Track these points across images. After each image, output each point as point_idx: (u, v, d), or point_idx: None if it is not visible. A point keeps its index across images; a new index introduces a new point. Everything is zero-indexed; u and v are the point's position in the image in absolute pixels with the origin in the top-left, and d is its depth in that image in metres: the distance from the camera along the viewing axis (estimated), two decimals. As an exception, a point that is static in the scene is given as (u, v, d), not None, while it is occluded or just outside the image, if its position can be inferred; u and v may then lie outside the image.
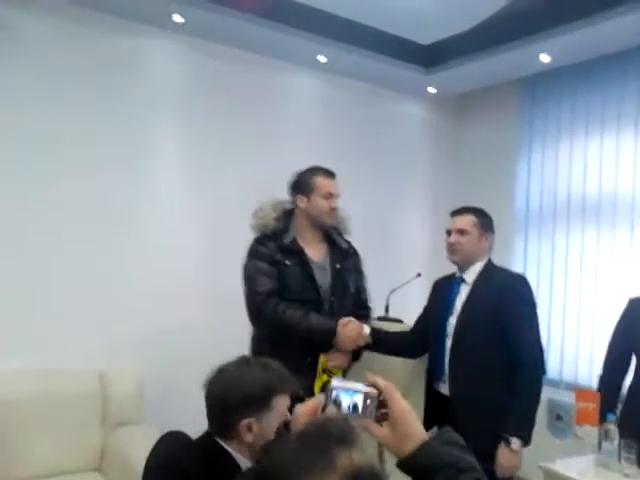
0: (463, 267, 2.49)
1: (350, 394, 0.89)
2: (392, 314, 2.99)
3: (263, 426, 1.46)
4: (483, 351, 2.33)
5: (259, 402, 1.48)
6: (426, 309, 2.69)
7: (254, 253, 2.50)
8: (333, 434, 0.79)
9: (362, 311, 2.62)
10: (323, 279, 2.50)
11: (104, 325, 3.10)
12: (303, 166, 3.75)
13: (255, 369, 1.54)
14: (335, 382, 0.91)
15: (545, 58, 3.63)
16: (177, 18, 3.19)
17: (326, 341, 2.38)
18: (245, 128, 3.63)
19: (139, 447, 1.65)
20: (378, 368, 2.66)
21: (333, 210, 2.52)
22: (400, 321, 2.85)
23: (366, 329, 2.46)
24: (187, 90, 3.45)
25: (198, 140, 3.47)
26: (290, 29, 3.35)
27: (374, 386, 0.90)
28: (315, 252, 2.52)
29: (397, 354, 2.68)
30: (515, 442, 2.19)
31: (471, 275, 2.47)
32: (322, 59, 3.71)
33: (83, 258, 3.08)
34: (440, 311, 2.50)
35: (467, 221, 2.47)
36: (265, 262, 2.45)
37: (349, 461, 0.76)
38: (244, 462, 1.43)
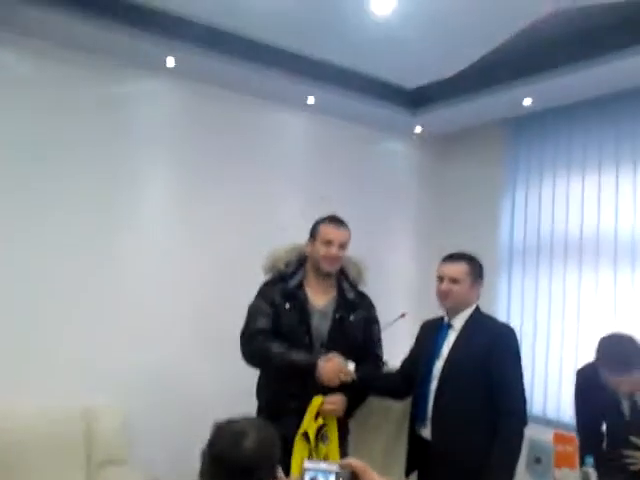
0: (452, 313, 2.51)
1: (324, 475, 0.91)
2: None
3: None
4: (467, 398, 2.34)
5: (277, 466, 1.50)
6: (412, 351, 2.72)
7: (259, 293, 2.60)
8: None
9: (371, 361, 2.63)
10: (322, 326, 2.52)
11: (89, 362, 3.10)
12: (292, 204, 3.85)
13: (274, 434, 1.54)
14: (308, 464, 0.94)
15: (527, 101, 3.75)
16: (170, 62, 3.29)
17: (307, 375, 2.38)
18: (235, 167, 3.71)
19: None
20: (368, 414, 2.70)
21: (332, 258, 2.53)
22: (384, 363, 2.86)
23: (351, 365, 2.46)
24: (179, 131, 3.53)
25: (189, 180, 3.55)
26: (280, 73, 3.45)
27: (349, 467, 0.93)
28: (320, 299, 2.56)
29: (383, 395, 2.70)
30: None
31: (459, 321, 2.48)
32: (311, 100, 3.81)
33: (68, 294, 3.11)
34: (427, 355, 2.52)
35: (460, 270, 2.48)
36: (267, 303, 2.53)
37: None
38: None
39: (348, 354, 2.48)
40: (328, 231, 2.54)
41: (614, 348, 2.36)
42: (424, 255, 4.42)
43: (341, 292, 2.60)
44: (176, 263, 3.46)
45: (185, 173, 3.53)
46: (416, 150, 4.61)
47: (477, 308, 2.53)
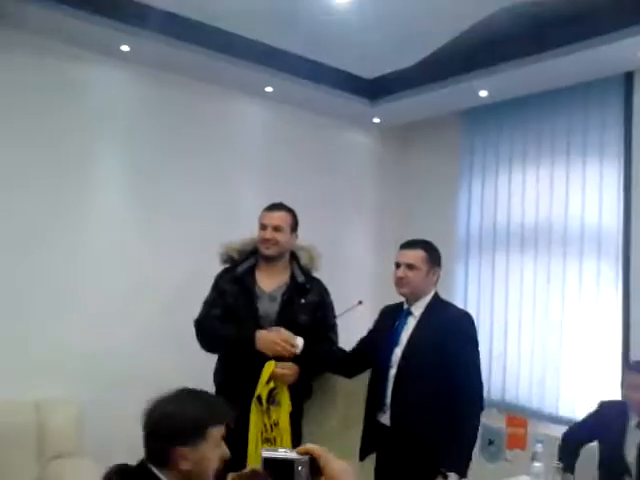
0: (411, 300, 2.53)
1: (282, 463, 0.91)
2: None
3: (199, 455, 1.53)
4: (426, 385, 2.37)
5: (193, 432, 1.54)
6: (370, 332, 2.74)
7: (213, 284, 2.71)
8: None
9: (322, 344, 2.68)
10: (271, 309, 2.59)
11: (43, 354, 3.04)
12: (249, 193, 3.83)
13: (191, 401, 1.61)
14: (266, 452, 0.93)
15: (483, 93, 3.82)
16: (124, 47, 3.23)
17: (248, 347, 2.47)
18: (192, 155, 3.66)
19: (74, 480, 1.63)
20: (325, 399, 2.73)
21: (266, 240, 2.63)
22: (342, 350, 2.88)
23: (299, 340, 2.53)
24: (134, 117, 3.46)
25: (144, 167, 3.48)
26: (238, 61, 3.42)
27: (306, 453, 0.93)
28: (270, 283, 2.64)
29: (332, 370, 2.74)
30: (452, 477, 2.22)
31: (419, 308, 2.51)
32: (269, 89, 3.80)
33: (19, 284, 3.03)
34: (386, 341, 2.53)
35: (416, 256, 2.49)
36: (216, 293, 2.67)
37: None
38: None
39: (300, 335, 2.56)
40: (262, 215, 2.68)
41: None
42: (382, 243, 4.46)
43: (292, 277, 2.67)
44: (132, 253, 3.40)
45: (140, 160, 3.47)
46: (375, 140, 4.64)
47: (436, 295, 2.55)
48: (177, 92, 3.61)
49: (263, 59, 3.50)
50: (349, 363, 2.68)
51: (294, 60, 3.63)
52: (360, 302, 3.08)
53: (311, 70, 3.71)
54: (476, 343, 2.46)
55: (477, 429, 2.36)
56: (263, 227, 2.64)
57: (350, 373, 2.70)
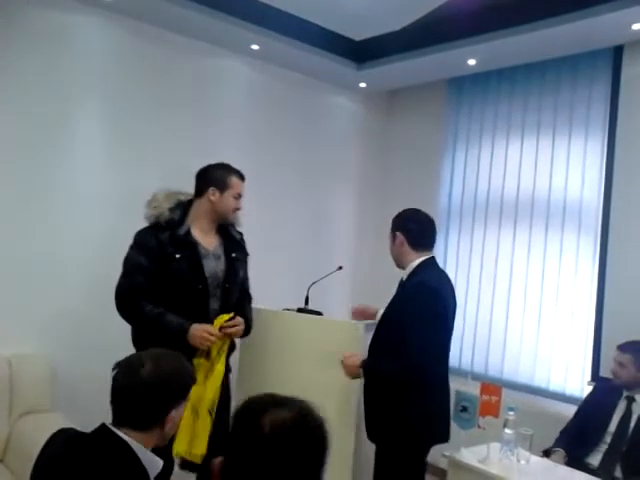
0: (402, 269, 2.53)
1: None
2: (312, 306, 3.03)
3: (179, 415, 1.51)
4: (386, 351, 2.40)
5: (184, 393, 1.53)
6: None
7: (140, 245, 2.49)
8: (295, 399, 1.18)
9: (246, 297, 2.74)
10: (217, 267, 2.56)
11: (15, 309, 2.98)
12: (231, 153, 3.75)
13: (178, 362, 1.55)
14: None
15: (471, 62, 3.77)
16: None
17: (179, 339, 2.36)
18: (173, 111, 3.56)
19: (45, 436, 1.58)
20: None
21: (238, 210, 2.65)
22: (320, 313, 2.88)
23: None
24: (114, 71, 3.34)
25: (122, 122, 3.37)
26: (224, 16, 3.31)
27: None
28: (210, 242, 2.60)
29: None
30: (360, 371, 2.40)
31: (405, 279, 2.51)
32: (255, 47, 3.70)
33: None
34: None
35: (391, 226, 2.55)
36: (147, 257, 2.45)
37: (300, 404, 1.16)
38: (143, 453, 1.44)
39: (238, 290, 2.63)
40: (240, 185, 2.64)
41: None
42: (364, 209, 4.45)
43: (227, 234, 2.67)
44: (109, 210, 3.32)
45: (119, 117, 3.36)
46: (360, 105, 4.58)
47: (421, 264, 2.45)
48: (160, 46, 3.49)
49: (250, 15, 3.40)
50: None
51: (282, 18, 3.53)
52: (340, 267, 3.08)
53: (299, 29, 3.62)
54: (427, 315, 2.28)
55: (394, 381, 2.34)
56: (239, 196, 2.63)
57: None
